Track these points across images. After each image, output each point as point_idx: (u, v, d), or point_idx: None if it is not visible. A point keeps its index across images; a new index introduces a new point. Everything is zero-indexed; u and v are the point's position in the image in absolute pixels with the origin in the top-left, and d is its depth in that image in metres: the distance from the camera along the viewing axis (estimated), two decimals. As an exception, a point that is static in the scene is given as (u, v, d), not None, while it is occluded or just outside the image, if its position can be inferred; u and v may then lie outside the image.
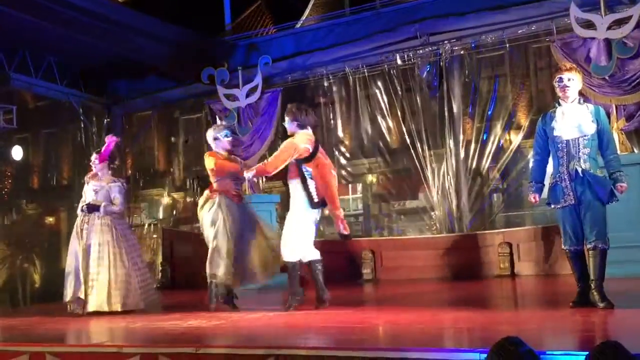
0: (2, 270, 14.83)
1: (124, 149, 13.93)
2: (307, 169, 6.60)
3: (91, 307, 7.51)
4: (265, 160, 6.79)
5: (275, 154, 6.67)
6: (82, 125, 13.53)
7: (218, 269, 6.89)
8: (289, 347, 4.37)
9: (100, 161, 7.89)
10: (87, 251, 7.62)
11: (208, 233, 7.07)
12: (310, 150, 6.58)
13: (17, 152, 7.87)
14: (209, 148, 7.35)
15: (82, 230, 7.75)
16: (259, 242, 7.05)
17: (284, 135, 7.88)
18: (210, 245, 6.99)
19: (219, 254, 6.88)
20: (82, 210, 7.85)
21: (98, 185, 7.91)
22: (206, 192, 7.22)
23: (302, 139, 6.60)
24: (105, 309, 7.51)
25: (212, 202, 7.08)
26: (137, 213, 18.40)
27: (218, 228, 6.91)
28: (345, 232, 6.80)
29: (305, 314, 6.25)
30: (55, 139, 14.44)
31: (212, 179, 7.19)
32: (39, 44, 10.76)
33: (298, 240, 6.65)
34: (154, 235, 18.18)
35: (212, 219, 7.00)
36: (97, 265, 7.57)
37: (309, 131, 6.73)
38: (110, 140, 8.00)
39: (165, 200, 24.19)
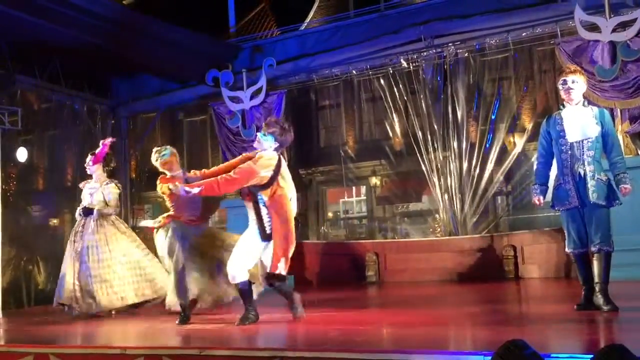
0: (6, 272, 14.84)
1: (128, 151, 13.95)
2: (263, 197, 5.98)
3: (105, 306, 7.55)
4: (219, 178, 5.89)
5: (232, 175, 5.85)
6: (87, 127, 13.55)
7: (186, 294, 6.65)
8: (293, 349, 4.37)
9: (94, 163, 7.92)
10: (80, 254, 7.65)
11: (167, 262, 6.94)
12: (269, 178, 5.94)
13: (21, 154, 7.90)
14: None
15: (76, 233, 7.80)
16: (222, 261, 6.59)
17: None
18: (173, 274, 6.73)
19: (183, 281, 6.64)
20: (79, 215, 7.91)
21: (93, 188, 7.95)
22: (161, 217, 6.92)
23: (263, 164, 5.93)
24: (118, 304, 7.58)
25: (165, 228, 6.86)
26: (141, 215, 18.39)
27: (177, 257, 6.63)
28: (275, 271, 5.92)
29: (309, 316, 6.25)
30: (60, 140, 14.43)
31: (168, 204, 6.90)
32: (44, 46, 10.77)
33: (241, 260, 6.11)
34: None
35: (168, 249, 6.74)
36: (98, 267, 7.59)
37: (274, 154, 6.06)
38: (105, 143, 8.01)
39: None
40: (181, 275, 6.62)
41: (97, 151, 8.00)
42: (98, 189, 7.92)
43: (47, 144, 14.60)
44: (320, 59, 11.69)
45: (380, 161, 19.12)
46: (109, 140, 8.08)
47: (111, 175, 8.14)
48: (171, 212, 6.80)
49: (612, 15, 9.03)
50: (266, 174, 5.90)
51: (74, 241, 7.78)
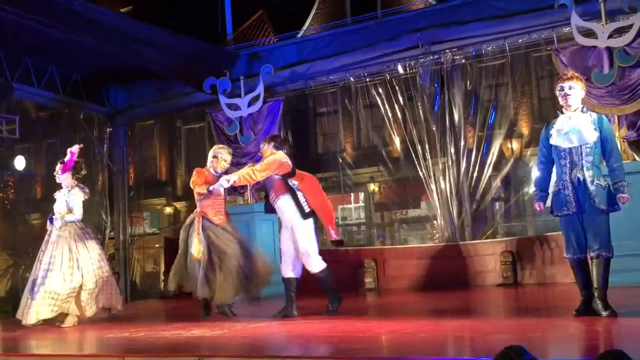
0: (4, 280, 14.84)
1: (127, 159, 13.94)
2: (294, 182, 6.89)
3: (58, 314, 7.54)
4: (252, 167, 6.91)
5: (263, 164, 6.82)
6: (85, 135, 13.55)
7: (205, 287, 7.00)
8: (292, 356, 4.36)
9: (63, 171, 7.87)
10: (42, 262, 7.63)
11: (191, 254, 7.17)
12: (290, 164, 6.87)
13: (19, 162, 7.89)
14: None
15: (45, 242, 7.78)
16: (238, 262, 7.13)
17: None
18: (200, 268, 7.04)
19: (207, 275, 7.01)
20: (49, 224, 7.89)
21: (61, 195, 7.91)
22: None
23: (281, 155, 6.88)
24: (75, 313, 7.59)
25: (189, 223, 7.31)
26: (140, 222, 18.42)
27: (202, 253, 7.03)
28: (337, 238, 7.15)
29: (309, 323, 6.24)
30: (58, 149, 14.46)
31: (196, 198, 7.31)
32: (41, 53, 10.79)
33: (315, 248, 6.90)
34: (157, 245, 18.21)
35: (190, 242, 7.15)
36: (55, 277, 7.53)
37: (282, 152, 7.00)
38: (72, 151, 7.94)
39: (168, 209, 24.23)
40: (205, 270, 6.97)
41: (65, 159, 7.93)
42: (65, 196, 7.88)
43: (45, 152, 14.60)
44: (317, 66, 11.70)
45: (378, 167, 19.15)
46: (76, 148, 7.97)
47: (80, 183, 8.06)
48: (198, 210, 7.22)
49: (608, 21, 9.05)
50: (286, 160, 6.81)
51: (42, 250, 7.75)
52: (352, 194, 20.93)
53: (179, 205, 23.51)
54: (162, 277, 13.82)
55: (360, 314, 7.48)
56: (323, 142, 20.48)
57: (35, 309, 7.43)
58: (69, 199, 7.79)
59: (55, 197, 8.02)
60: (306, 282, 7.06)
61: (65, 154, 8.31)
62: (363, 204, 21.15)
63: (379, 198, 20.45)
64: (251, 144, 11.56)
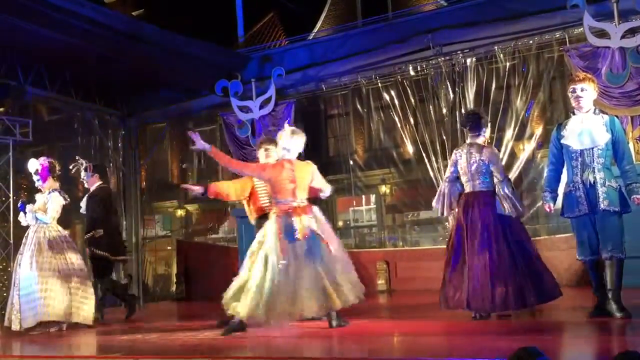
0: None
1: (139, 161, 14.00)
2: None
3: (35, 320, 7.46)
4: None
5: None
6: (98, 138, 13.61)
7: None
8: (305, 358, 4.36)
9: (44, 181, 7.91)
10: (20, 266, 7.63)
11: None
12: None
13: (32, 165, 7.95)
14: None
15: (23, 244, 7.78)
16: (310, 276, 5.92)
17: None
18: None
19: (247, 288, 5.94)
20: (21, 209, 7.90)
21: (41, 197, 7.93)
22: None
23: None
24: (45, 318, 7.45)
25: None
26: (151, 225, 18.47)
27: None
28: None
29: (320, 326, 6.24)
30: (71, 152, 14.49)
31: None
32: (55, 57, 10.84)
33: None
34: (168, 247, 18.26)
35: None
36: (28, 279, 7.51)
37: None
38: (43, 164, 7.93)
39: (179, 212, 24.28)
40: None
41: (38, 170, 7.94)
42: (43, 198, 7.90)
43: (58, 155, 14.66)
44: (328, 68, 11.70)
45: (389, 169, 19.09)
46: (43, 160, 8.00)
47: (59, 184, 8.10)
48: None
49: (621, 22, 9.01)
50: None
51: (21, 253, 7.76)
52: (363, 196, 20.90)
53: (191, 207, 23.56)
54: (173, 280, 13.84)
55: (372, 316, 7.46)
56: (334, 144, 20.43)
57: (19, 315, 7.41)
58: (49, 200, 7.82)
59: (36, 198, 8.06)
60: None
61: (77, 157, 8.40)
62: (374, 206, 21.10)
63: (390, 200, 20.40)
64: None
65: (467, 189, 6.29)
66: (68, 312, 7.58)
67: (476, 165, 6.21)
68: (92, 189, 8.82)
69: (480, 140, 6.39)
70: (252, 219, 7.05)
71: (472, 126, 6.39)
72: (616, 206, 5.49)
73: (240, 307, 5.79)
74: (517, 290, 5.89)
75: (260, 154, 6.91)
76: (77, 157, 8.87)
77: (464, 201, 6.27)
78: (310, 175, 6.29)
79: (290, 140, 6.28)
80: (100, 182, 8.88)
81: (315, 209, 6.23)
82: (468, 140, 6.45)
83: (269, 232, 6.00)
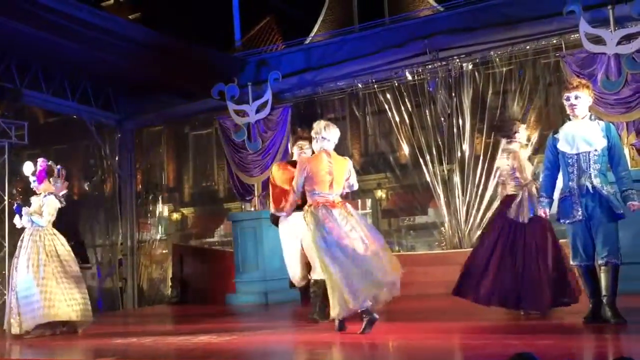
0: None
1: (135, 164, 13.99)
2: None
3: (28, 325, 7.35)
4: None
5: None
6: (94, 141, 13.61)
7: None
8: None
9: (40, 182, 7.84)
10: (17, 269, 7.58)
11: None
12: None
13: (28, 168, 7.90)
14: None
15: (18, 247, 7.74)
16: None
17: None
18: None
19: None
20: (17, 212, 7.85)
21: (37, 199, 7.88)
22: None
23: None
24: (41, 321, 7.36)
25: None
26: (147, 229, 18.43)
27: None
28: None
29: (316, 330, 6.23)
30: (67, 154, 14.51)
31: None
32: (51, 60, 10.85)
33: None
34: (164, 251, 18.23)
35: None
36: (24, 282, 7.46)
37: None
38: (41, 165, 7.88)
39: (175, 215, 24.26)
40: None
41: (36, 171, 7.90)
42: (39, 200, 7.86)
43: (54, 157, 14.64)
44: (325, 72, 11.72)
45: (385, 174, 19.11)
46: (42, 162, 7.91)
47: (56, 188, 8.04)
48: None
49: (617, 28, 9.04)
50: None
51: (16, 257, 7.70)
52: (359, 201, 20.90)
53: (186, 211, 23.54)
54: (169, 283, 13.80)
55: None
56: (331, 149, 20.48)
57: (19, 317, 7.37)
58: (45, 202, 7.77)
59: (31, 200, 8.02)
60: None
61: (73, 160, 8.36)
62: (370, 211, 21.10)
63: (386, 205, 20.41)
64: (259, 151, 11.57)
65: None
66: (64, 315, 7.55)
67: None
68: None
69: (514, 146, 6.94)
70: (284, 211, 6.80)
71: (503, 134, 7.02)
72: (612, 212, 5.50)
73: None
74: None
75: (295, 151, 7.05)
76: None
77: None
78: (347, 171, 6.26)
79: (329, 132, 6.22)
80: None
81: (349, 206, 6.15)
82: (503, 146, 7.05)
83: (314, 226, 5.92)
